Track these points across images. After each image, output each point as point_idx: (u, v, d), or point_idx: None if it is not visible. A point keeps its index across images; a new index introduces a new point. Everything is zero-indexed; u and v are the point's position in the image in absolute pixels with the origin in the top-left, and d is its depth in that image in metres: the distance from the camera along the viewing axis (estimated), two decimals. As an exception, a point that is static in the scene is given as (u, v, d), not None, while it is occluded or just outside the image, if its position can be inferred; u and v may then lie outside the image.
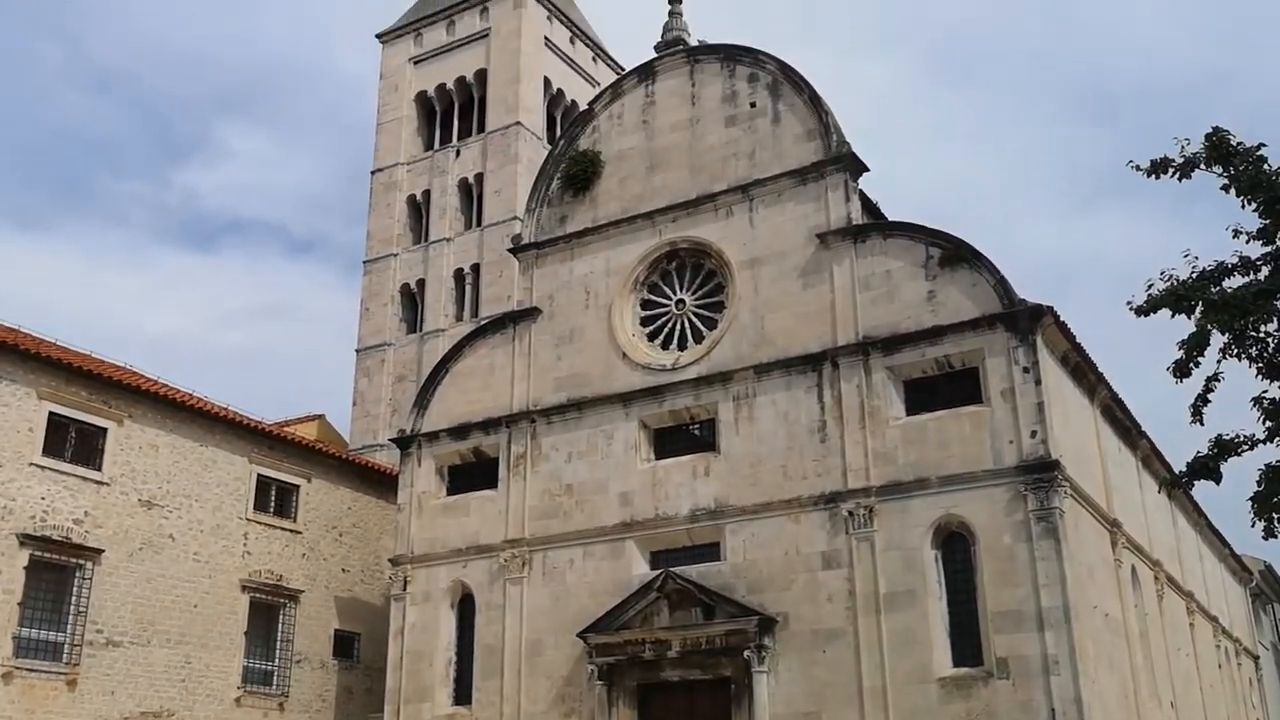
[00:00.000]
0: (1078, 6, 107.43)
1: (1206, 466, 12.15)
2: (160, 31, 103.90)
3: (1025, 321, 22.36)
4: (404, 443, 29.53)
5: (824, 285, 24.82)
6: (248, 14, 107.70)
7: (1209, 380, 12.08)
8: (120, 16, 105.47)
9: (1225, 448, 12.11)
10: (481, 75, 47.32)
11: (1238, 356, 11.96)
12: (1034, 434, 21.66)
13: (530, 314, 28.65)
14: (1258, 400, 12.14)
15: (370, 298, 46.36)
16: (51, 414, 25.58)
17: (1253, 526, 12.28)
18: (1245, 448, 12.12)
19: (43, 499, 25.12)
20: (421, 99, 48.74)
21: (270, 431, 31.29)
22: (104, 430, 26.63)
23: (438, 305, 44.70)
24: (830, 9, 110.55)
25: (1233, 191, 11.77)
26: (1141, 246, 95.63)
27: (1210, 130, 11.76)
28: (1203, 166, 11.84)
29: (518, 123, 45.40)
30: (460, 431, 28.58)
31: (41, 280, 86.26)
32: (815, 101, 26.33)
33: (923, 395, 23.28)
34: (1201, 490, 12.54)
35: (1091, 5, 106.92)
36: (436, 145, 47.87)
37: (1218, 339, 11.92)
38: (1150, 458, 29.66)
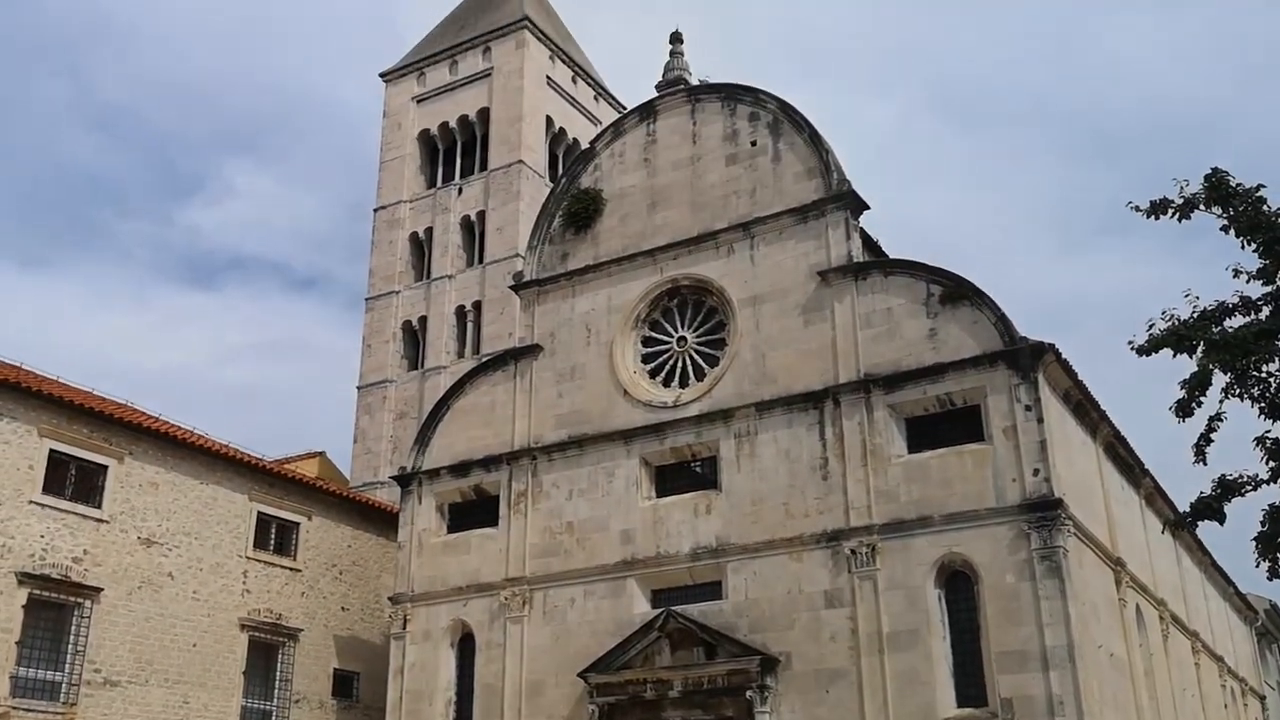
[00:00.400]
0: (1078, 47, 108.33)
1: (1210, 507, 12.10)
2: (166, 70, 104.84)
3: (1027, 359, 22.35)
4: (405, 480, 29.46)
5: (825, 323, 24.85)
6: (253, 53, 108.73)
7: (1211, 420, 12.05)
8: (127, 55, 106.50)
9: (1229, 488, 12.06)
10: (484, 114, 47.66)
11: (1240, 396, 11.94)
12: (1036, 472, 21.58)
13: (532, 351, 28.67)
14: (1260, 440, 12.11)
15: (372, 335, 46.44)
16: (52, 451, 25.53)
17: (1257, 567, 12.23)
18: (1249, 488, 12.07)
19: (42, 537, 25.02)
20: (424, 137, 49.07)
21: (271, 469, 31.21)
22: (104, 468, 26.57)
23: (439, 342, 44.77)
24: (831, 49, 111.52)
25: (1232, 232, 11.80)
26: (1142, 284, 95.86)
27: (1209, 171, 11.81)
28: (1202, 207, 11.88)
29: (520, 161, 45.67)
30: (461, 469, 28.52)
31: (45, 318, 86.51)
32: (816, 140, 26.48)
33: (925, 433, 23.23)
34: (1205, 528, 12.51)
35: (1092, 46, 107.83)
36: (439, 183, 48.14)
37: (1220, 378, 11.91)
38: (1153, 496, 29.55)
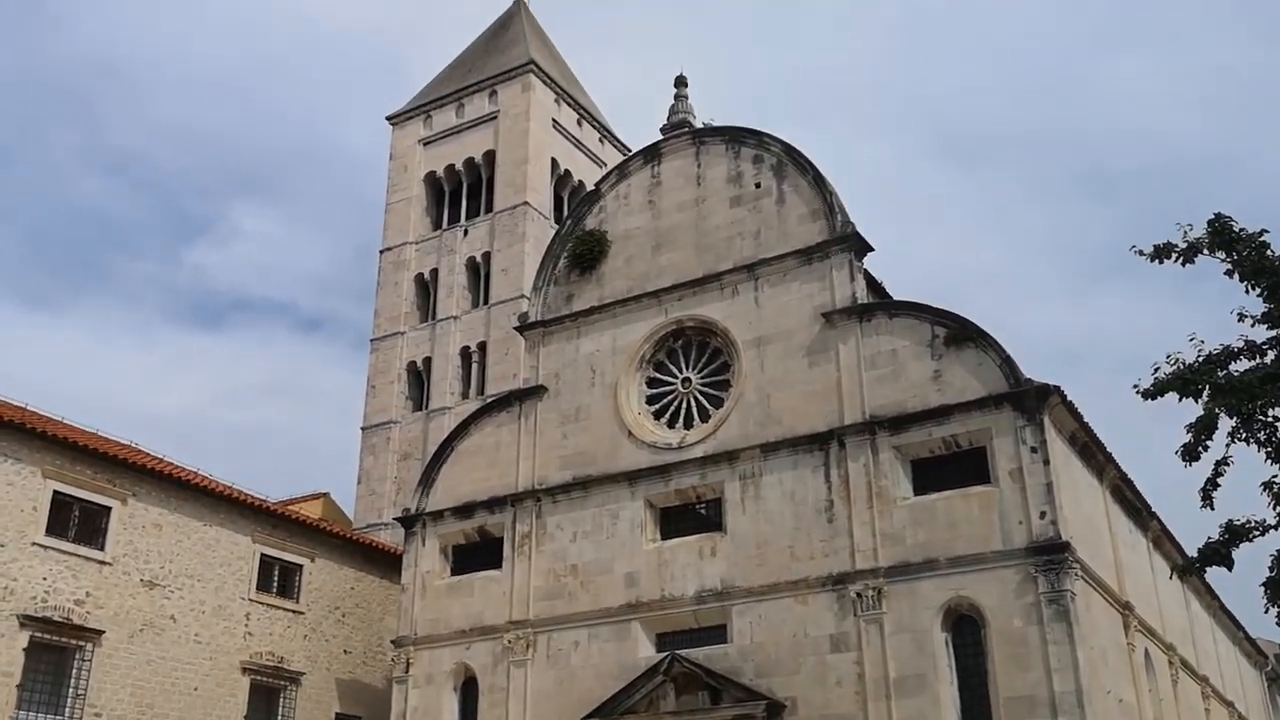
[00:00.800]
0: (1080, 90, 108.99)
1: (1218, 553, 12.01)
2: (176, 114, 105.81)
3: (1032, 401, 22.30)
4: (408, 522, 29.36)
5: (830, 364, 24.83)
6: (261, 97, 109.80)
7: (1218, 464, 12.00)
8: (138, 101, 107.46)
9: (1236, 533, 11.98)
10: (490, 156, 47.97)
11: (1246, 441, 11.89)
12: (1043, 514, 21.46)
13: (536, 392, 28.66)
14: (1268, 485, 12.04)
15: (377, 375, 46.47)
16: (56, 493, 25.51)
17: (1266, 613, 12.11)
18: (1256, 533, 11.99)
19: (44, 579, 24.93)
20: (430, 179, 49.38)
21: (274, 510, 31.13)
22: (107, 509, 26.53)
23: (444, 383, 44.78)
24: (833, 91, 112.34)
25: (1236, 276, 11.81)
26: (1147, 325, 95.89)
27: (1212, 216, 11.84)
28: (1206, 252, 11.90)
29: (525, 203, 45.91)
30: (465, 510, 28.41)
31: (51, 358, 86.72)
32: (819, 182, 26.60)
33: (930, 475, 23.15)
34: (1214, 571, 12.39)
35: (1094, 88, 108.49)
36: (445, 224, 48.38)
37: (1226, 423, 11.87)
38: (1161, 539, 29.35)
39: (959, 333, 23.52)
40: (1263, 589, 12.08)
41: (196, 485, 28.74)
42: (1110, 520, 25.51)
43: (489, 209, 47.12)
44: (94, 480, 26.31)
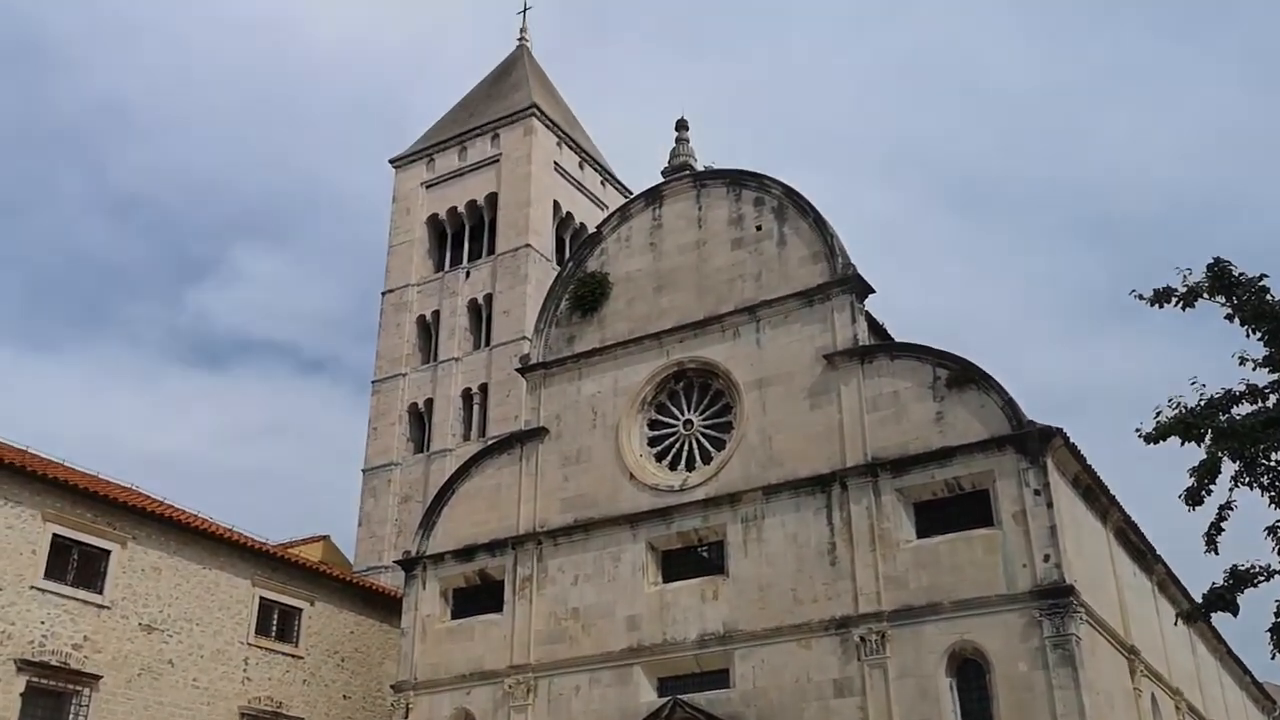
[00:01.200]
0: (1080, 136, 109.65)
1: (1223, 598, 11.93)
2: (180, 158, 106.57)
3: (1035, 443, 22.24)
4: (409, 564, 29.20)
5: (832, 406, 24.80)
6: (266, 141, 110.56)
7: (1222, 508, 11.94)
8: (143, 145, 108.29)
9: (1241, 579, 11.90)
10: (492, 199, 48.21)
11: (1249, 485, 11.84)
12: (1047, 558, 21.34)
13: (538, 434, 28.61)
14: (1272, 530, 11.97)
15: (378, 417, 46.41)
16: (55, 536, 25.43)
17: (1273, 658, 12.00)
18: (1261, 579, 11.90)
19: (43, 623, 24.78)
20: (433, 221, 49.60)
21: (274, 553, 30.99)
22: (107, 552, 26.43)
23: (445, 425, 44.71)
24: (835, 137, 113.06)
25: (1236, 321, 11.81)
26: (1149, 367, 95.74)
27: (1211, 261, 11.87)
28: (1205, 296, 11.91)
29: (527, 245, 46.08)
30: (466, 553, 28.27)
31: (53, 400, 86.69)
32: (820, 224, 26.71)
33: (933, 517, 23.04)
34: (1220, 616, 12.30)
35: (1094, 134, 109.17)
36: (447, 266, 48.52)
37: (1229, 467, 11.82)
38: (1166, 582, 29.16)
39: (961, 374, 23.51)
40: (1269, 635, 11.97)
41: (196, 528, 28.64)
42: (1115, 563, 25.35)
43: (491, 251, 47.28)
44: (94, 523, 26.23)
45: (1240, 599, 11.97)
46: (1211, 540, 12.01)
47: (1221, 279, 11.76)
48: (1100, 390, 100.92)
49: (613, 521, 26.43)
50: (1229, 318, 11.86)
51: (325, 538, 39.23)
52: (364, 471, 45.56)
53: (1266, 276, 11.77)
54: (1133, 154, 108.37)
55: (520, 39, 55.75)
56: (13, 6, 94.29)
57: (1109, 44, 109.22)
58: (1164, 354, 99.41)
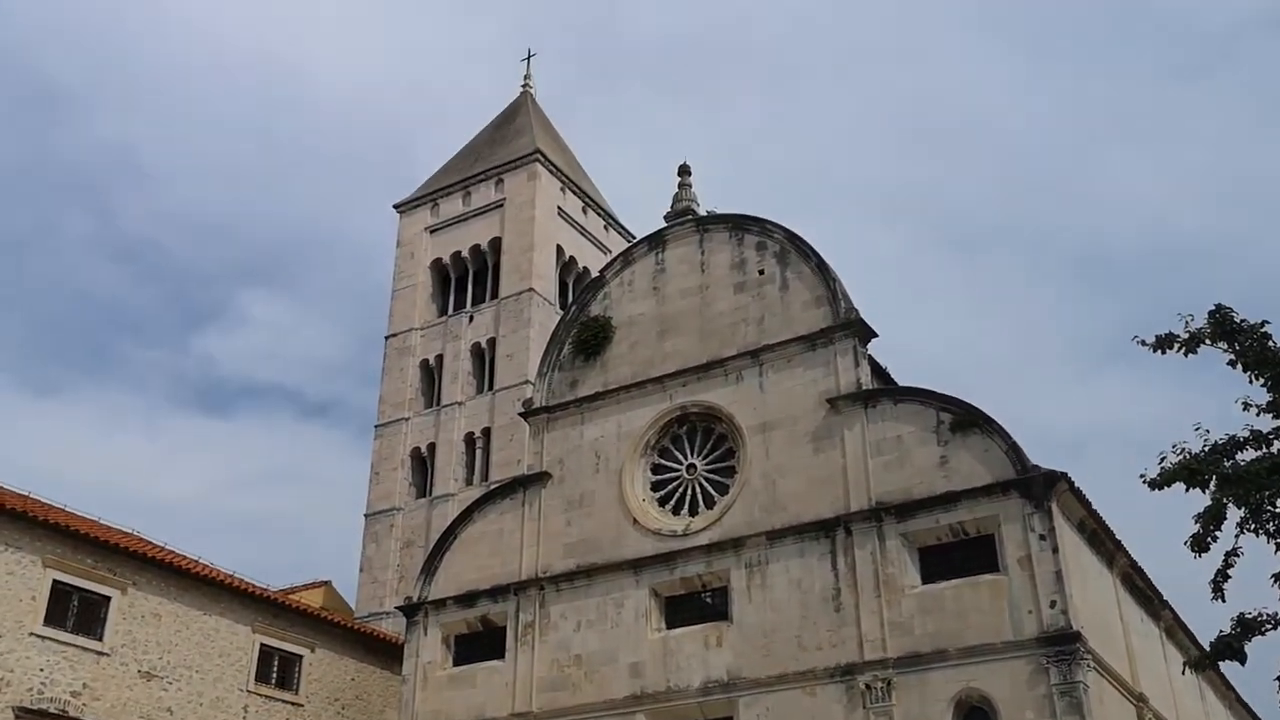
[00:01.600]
0: (1079, 180, 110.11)
1: (1230, 647, 11.81)
2: (188, 204, 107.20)
3: (1039, 488, 22.15)
4: (410, 610, 29.00)
5: (835, 450, 24.73)
6: (272, 186, 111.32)
7: (1228, 555, 11.86)
8: (151, 191, 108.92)
9: (1249, 626, 11.79)
10: (496, 243, 48.41)
11: (1255, 532, 11.76)
12: (1054, 604, 21.17)
13: (540, 478, 28.52)
14: (1278, 577, 11.88)
15: (380, 462, 46.30)
16: (55, 582, 25.32)
17: (1282, 708, 11.85)
18: (1269, 627, 11.79)
19: (42, 670, 24.60)
20: (437, 265, 49.77)
21: (275, 599, 30.81)
22: (107, 599, 26.29)
23: (448, 469, 44.59)
24: (835, 181, 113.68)
25: (1239, 367, 11.80)
26: (1153, 411, 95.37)
27: (1213, 307, 11.89)
28: (1208, 342, 11.92)
29: (531, 289, 46.20)
30: (468, 599, 28.08)
31: (57, 445, 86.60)
32: (823, 269, 26.78)
33: (939, 562, 22.90)
34: (1228, 663, 12.20)
35: (1092, 179, 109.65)
36: (450, 310, 48.62)
37: (1234, 513, 11.75)
38: (1174, 629, 28.90)
39: (964, 419, 23.47)
40: (1277, 683, 11.84)
41: (197, 574, 28.50)
42: (1122, 609, 25.16)
43: (494, 295, 47.40)
44: (94, 569, 26.11)
45: (1248, 646, 11.86)
46: (1218, 588, 11.91)
47: (1223, 325, 11.77)
48: (1104, 432, 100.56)
49: (615, 567, 26.28)
50: (1231, 364, 11.86)
51: (327, 583, 39.02)
52: (366, 516, 45.37)
53: (1268, 323, 11.79)
54: (1134, 198, 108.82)
55: (524, 85, 56.26)
56: (23, 53, 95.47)
57: (1110, 85, 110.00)
58: (1168, 396, 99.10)
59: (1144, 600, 27.09)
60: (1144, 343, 12.21)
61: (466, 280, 49.06)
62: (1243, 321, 11.87)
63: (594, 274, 34.55)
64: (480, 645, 27.75)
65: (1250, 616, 11.88)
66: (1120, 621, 24.77)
